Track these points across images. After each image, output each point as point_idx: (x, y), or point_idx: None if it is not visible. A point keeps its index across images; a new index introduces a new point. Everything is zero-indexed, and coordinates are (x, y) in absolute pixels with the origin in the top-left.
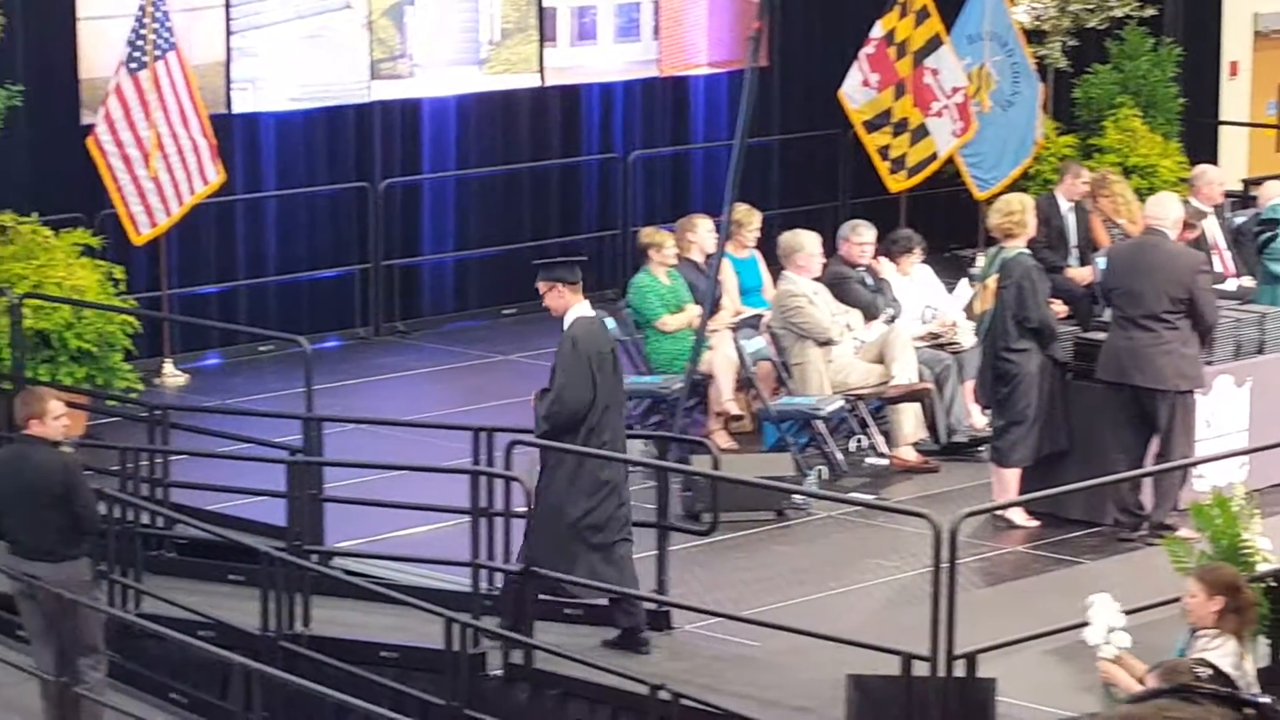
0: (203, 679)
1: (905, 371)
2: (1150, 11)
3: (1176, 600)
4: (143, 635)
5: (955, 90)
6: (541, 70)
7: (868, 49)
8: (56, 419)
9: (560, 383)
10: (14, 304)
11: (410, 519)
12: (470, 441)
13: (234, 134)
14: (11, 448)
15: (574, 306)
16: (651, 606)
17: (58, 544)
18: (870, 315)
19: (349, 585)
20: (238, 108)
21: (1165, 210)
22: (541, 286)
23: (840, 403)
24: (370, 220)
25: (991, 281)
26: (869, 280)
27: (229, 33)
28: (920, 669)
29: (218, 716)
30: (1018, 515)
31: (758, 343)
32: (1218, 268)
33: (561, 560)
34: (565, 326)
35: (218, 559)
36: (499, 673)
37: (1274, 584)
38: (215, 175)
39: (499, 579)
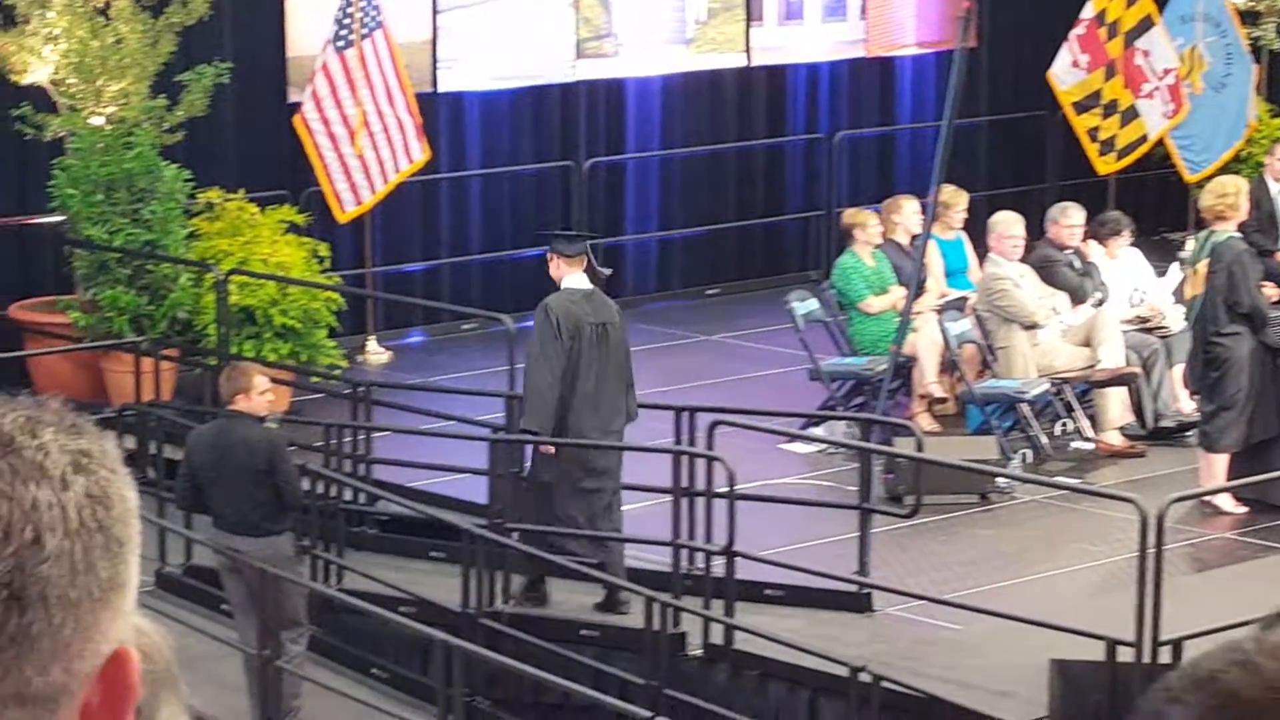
0: (403, 654)
1: (1112, 355)
2: None
3: None
4: (344, 610)
5: (1167, 72)
6: (748, 50)
7: (1078, 29)
8: (262, 394)
9: (532, 353)
10: (220, 280)
11: None
12: (672, 421)
13: (439, 112)
14: (217, 422)
15: (565, 278)
16: (853, 588)
17: (262, 519)
18: (1078, 298)
19: (550, 563)
20: (443, 86)
21: None
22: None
23: (1045, 386)
24: (574, 199)
25: (1202, 266)
26: (1077, 263)
27: (435, 11)
28: (1125, 655)
29: (418, 692)
30: (1225, 501)
31: (963, 325)
32: None
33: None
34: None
35: (419, 536)
36: (699, 653)
37: None
38: (420, 153)
39: (700, 559)
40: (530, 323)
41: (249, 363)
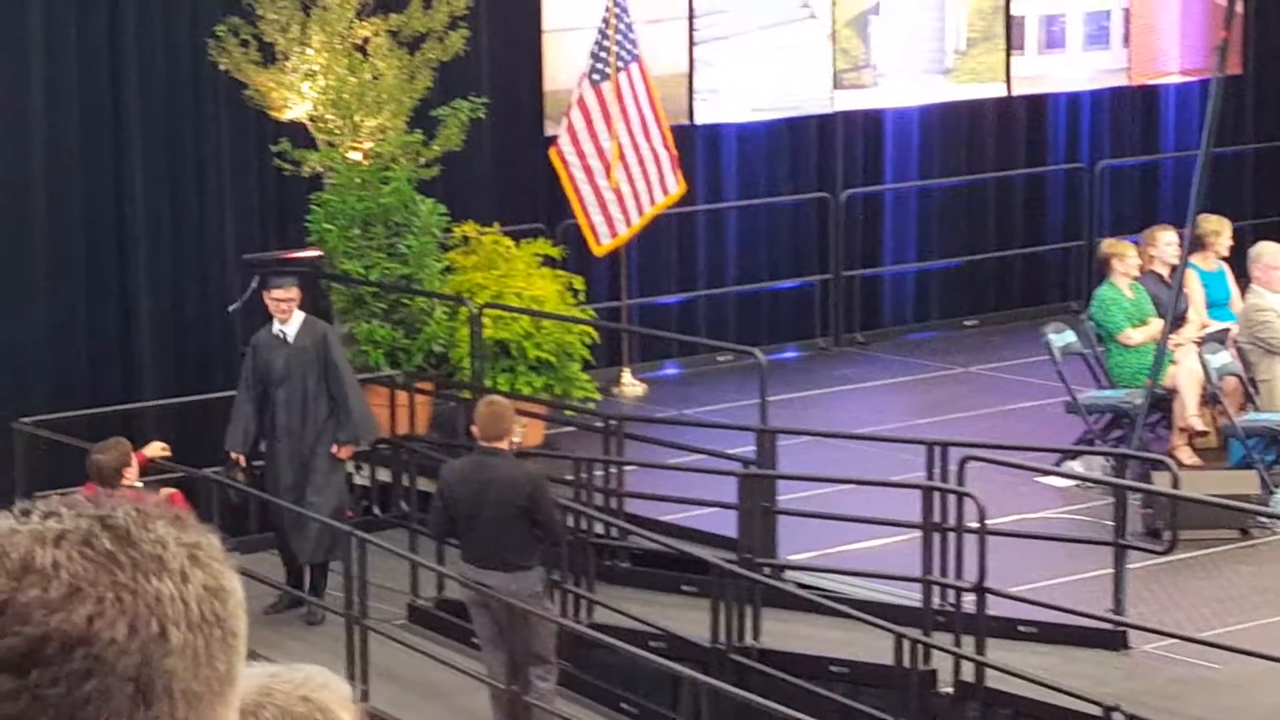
0: (653, 690)
1: None
2: None
3: None
4: (594, 645)
5: None
6: (1008, 79)
7: None
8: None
9: (346, 378)
10: (474, 314)
11: (862, 533)
12: (924, 455)
13: (696, 144)
14: (472, 457)
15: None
16: (1108, 626)
17: (513, 554)
18: None
19: (800, 599)
20: (700, 118)
21: None
22: (294, 293)
23: None
24: (831, 231)
25: None
26: None
27: (692, 44)
28: None
29: None
30: None
31: (1224, 357)
32: None
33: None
34: (303, 325)
35: (670, 570)
36: (949, 690)
37: None
38: (676, 186)
39: (951, 595)
40: (787, 354)
41: (507, 400)
